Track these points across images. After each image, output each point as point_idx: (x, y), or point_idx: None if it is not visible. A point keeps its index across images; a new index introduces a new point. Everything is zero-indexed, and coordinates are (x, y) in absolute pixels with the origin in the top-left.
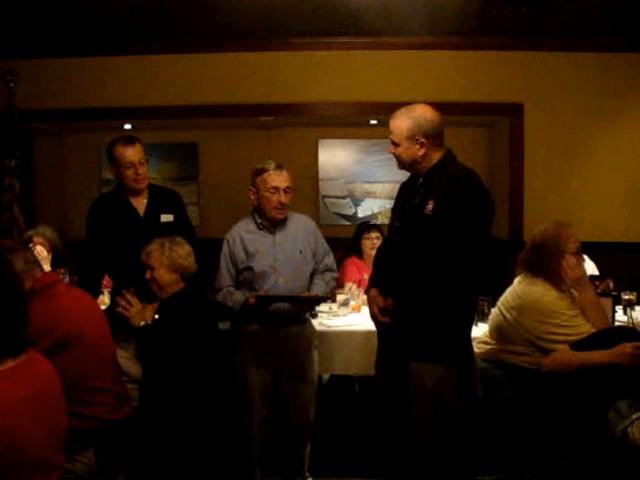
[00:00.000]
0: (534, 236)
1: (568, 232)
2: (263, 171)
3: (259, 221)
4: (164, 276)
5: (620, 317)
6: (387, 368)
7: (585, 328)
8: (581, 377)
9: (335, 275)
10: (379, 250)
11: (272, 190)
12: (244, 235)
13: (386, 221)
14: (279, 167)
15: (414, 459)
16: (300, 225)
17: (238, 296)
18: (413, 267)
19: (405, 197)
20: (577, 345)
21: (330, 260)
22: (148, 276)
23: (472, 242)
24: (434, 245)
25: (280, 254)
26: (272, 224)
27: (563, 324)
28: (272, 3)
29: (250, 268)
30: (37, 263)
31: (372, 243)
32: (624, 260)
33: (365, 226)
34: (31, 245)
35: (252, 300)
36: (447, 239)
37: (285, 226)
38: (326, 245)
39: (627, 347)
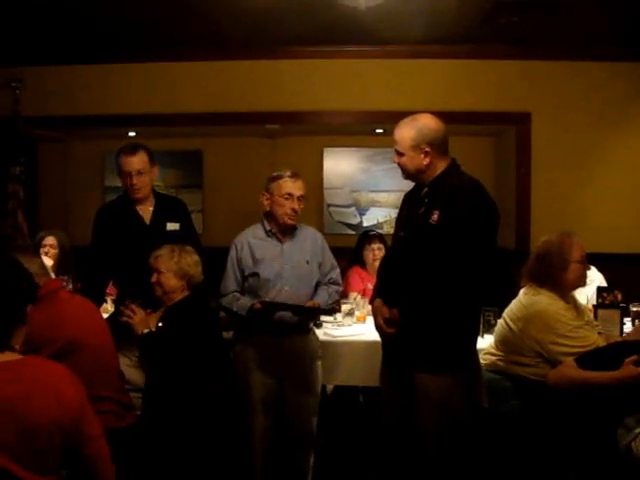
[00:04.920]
0: (538, 247)
1: (572, 240)
2: (279, 177)
3: (268, 228)
4: (170, 281)
5: (629, 329)
6: (392, 378)
7: (591, 339)
8: (589, 392)
9: (339, 289)
10: (383, 260)
11: (286, 196)
12: (252, 241)
13: (391, 230)
14: (295, 175)
15: (421, 469)
16: (309, 236)
17: (244, 301)
18: (418, 278)
19: (409, 207)
20: (583, 360)
21: (335, 274)
22: (154, 279)
23: (477, 252)
24: (439, 255)
25: (287, 262)
26: (281, 232)
27: (568, 335)
28: (277, 12)
29: (256, 274)
30: (47, 271)
31: (373, 254)
32: (633, 271)
33: (366, 237)
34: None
35: (258, 305)
36: (452, 249)
37: (294, 236)
38: (333, 260)
39: (633, 369)
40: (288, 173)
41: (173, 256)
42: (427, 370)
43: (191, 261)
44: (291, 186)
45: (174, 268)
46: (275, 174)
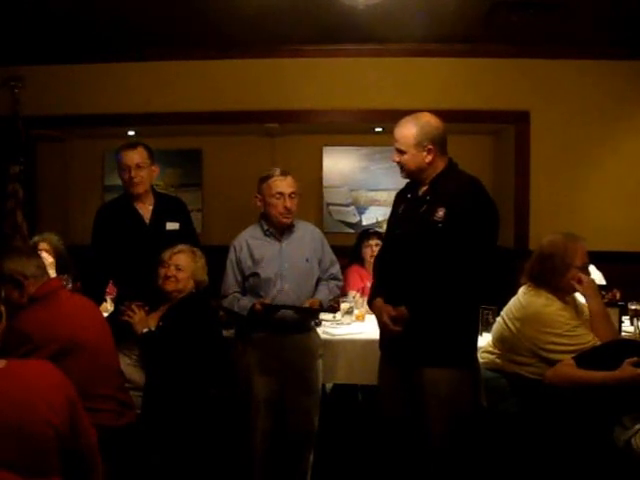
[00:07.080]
0: (542, 246)
1: (577, 246)
2: (268, 177)
3: (266, 228)
4: (188, 280)
5: (627, 328)
6: (393, 375)
7: (588, 338)
8: (587, 391)
9: (340, 284)
10: (378, 259)
11: (277, 195)
12: (251, 241)
13: None
14: (284, 173)
15: (426, 464)
16: (307, 233)
17: (245, 302)
18: (425, 275)
19: (406, 206)
20: (581, 359)
21: (336, 270)
22: (171, 273)
23: (483, 248)
24: (447, 252)
25: (286, 261)
26: (279, 231)
27: (565, 334)
28: (276, 11)
29: (256, 274)
30: (45, 271)
31: (372, 250)
32: (631, 270)
33: (365, 233)
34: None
35: (259, 307)
36: (460, 246)
37: (292, 233)
38: (333, 255)
39: (632, 369)
40: (277, 172)
41: (195, 258)
42: (437, 364)
43: (202, 266)
44: (280, 185)
45: (193, 269)
46: (264, 174)
